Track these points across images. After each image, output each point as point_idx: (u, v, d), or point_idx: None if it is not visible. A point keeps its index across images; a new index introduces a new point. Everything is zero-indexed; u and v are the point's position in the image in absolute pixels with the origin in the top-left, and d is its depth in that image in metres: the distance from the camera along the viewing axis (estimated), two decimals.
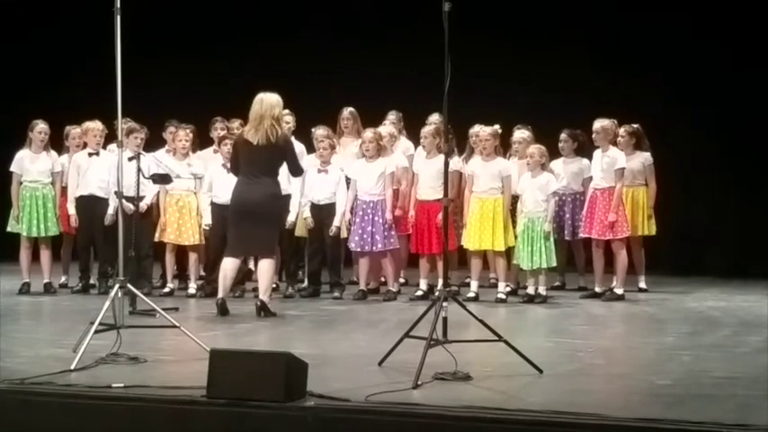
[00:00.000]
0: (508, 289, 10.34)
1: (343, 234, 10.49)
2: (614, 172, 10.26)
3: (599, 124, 10.40)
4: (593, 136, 10.43)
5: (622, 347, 8.11)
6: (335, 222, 10.42)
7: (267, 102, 9.03)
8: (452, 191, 10.34)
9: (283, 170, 10.23)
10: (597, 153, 10.46)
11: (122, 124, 7.66)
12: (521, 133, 10.79)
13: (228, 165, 9.71)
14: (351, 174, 10.53)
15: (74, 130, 11.03)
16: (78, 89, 12.75)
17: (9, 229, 10.82)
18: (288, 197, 10.37)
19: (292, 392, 5.53)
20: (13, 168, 10.72)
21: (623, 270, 10.39)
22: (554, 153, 10.76)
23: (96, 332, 6.77)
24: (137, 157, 9.37)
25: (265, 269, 9.09)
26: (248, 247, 9.29)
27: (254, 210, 8.96)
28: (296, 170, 9.43)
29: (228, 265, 9.12)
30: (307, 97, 12.00)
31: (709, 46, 12.33)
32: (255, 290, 9.34)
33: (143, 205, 10.20)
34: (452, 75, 6.50)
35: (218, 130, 10.84)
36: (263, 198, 9.01)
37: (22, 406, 5.76)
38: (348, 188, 10.47)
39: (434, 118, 10.86)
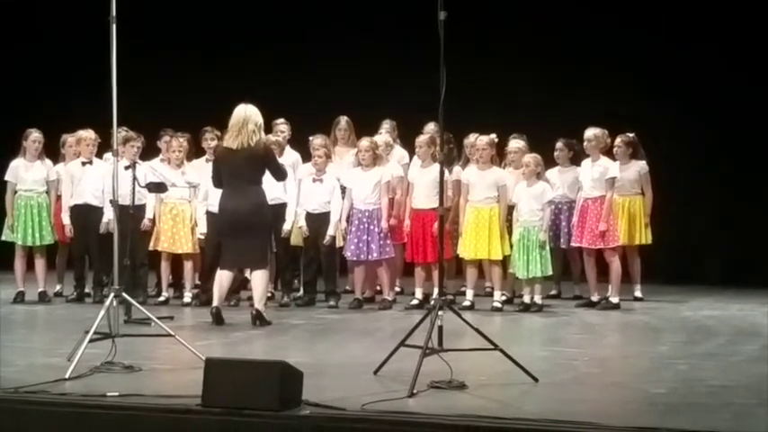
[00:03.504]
0: (504, 298, 10.32)
1: (339, 243, 10.49)
2: (605, 181, 10.27)
3: (591, 132, 10.40)
4: (585, 144, 10.42)
5: (618, 356, 8.11)
6: (330, 231, 10.41)
7: (251, 109, 9.03)
8: (455, 199, 10.37)
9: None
10: (587, 162, 10.44)
11: (118, 133, 7.67)
12: (516, 143, 10.77)
13: None
14: (346, 182, 10.52)
15: (70, 138, 11.01)
16: (74, 97, 12.73)
17: (4, 237, 10.81)
18: (283, 206, 10.37)
19: (287, 401, 5.53)
20: (7, 177, 10.72)
21: (617, 279, 10.37)
22: (550, 162, 10.77)
23: (91, 341, 6.78)
24: (133, 165, 9.37)
25: (259, 278, 9.10)
26: (241, 260, 9.27)
27: (243, 222, 8.95)
28: (279, 175, 9.38)
29: (223, 276, 9.13)
30: (302, 106, 12.01)
31: (707, 53, 12.31)
32: (251, 299, 9.32)
33: (146, 221, 10.26)
34: (448, 83, 6.50)
35: (207, 140, 10.76)
36: (251, 209, 8.99)
37: (17, 415, 5.75)
38: (343, 197, 10.47)
39: (430, 127, 10.86)
